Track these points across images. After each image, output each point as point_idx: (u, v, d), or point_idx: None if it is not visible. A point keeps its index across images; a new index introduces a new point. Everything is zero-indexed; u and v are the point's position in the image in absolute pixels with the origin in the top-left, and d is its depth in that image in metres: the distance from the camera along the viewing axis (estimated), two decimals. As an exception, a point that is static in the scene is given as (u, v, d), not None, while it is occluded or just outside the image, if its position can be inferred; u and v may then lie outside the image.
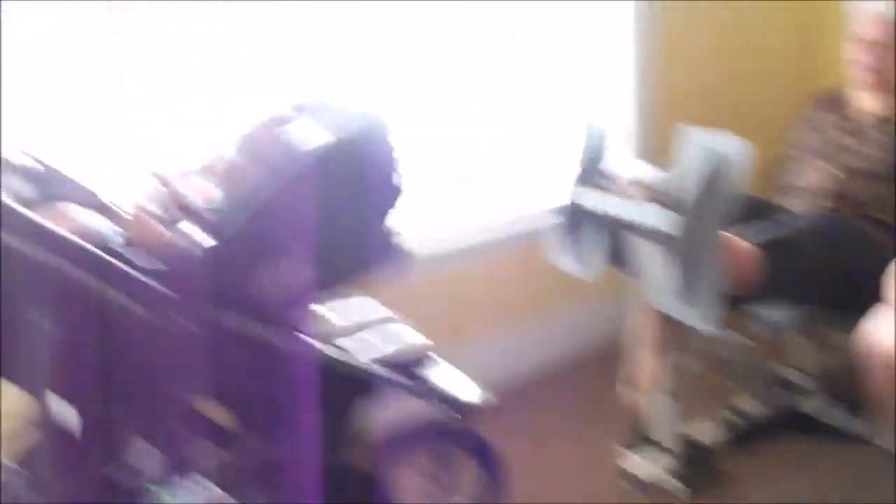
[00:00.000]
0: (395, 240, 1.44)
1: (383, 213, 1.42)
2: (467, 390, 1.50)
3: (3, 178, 1.38)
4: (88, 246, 1.17)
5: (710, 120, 1.81)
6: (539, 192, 2.73)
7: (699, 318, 1.62)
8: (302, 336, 1.36)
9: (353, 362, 1.41)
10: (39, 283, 1.15)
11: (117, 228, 1.42)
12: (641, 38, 2.83)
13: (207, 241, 1.26)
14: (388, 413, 1.50)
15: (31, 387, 1.22)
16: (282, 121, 1.57)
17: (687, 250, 1.62)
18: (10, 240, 1.11)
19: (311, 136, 1.48)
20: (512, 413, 2.03)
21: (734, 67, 3.09)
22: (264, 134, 1.52)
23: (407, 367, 1.47)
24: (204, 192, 1.50)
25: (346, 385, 1.41)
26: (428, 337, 1.58)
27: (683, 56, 2.95)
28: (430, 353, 1.53)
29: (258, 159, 1.45)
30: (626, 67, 2.86)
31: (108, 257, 1.17)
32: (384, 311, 1.64)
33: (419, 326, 1.61)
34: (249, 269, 1.27)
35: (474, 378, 1.52)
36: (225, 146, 1.56)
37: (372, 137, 1.38)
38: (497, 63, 2.61)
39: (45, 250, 1.13)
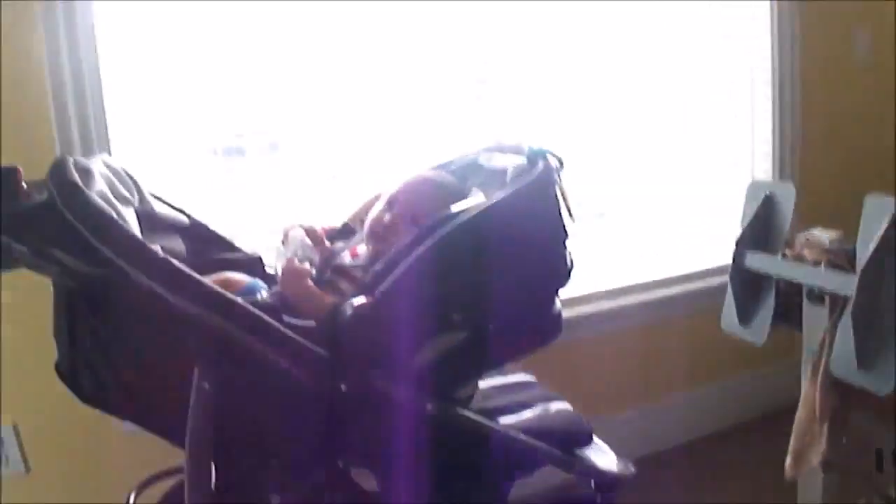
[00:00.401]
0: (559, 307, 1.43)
1: (560, 280, 1.39)
2: (619, 466, 1.47)
3: (155, 233, 1.41)
4: (243, 302, 1.15)
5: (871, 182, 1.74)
6: (699, 250, 2.64)
7: (878, 383, 1.55)
8: (464, 412, 1.33)
9: (517, 438, 1.38)
10: (192, 338, 1.14)
11: (261, 283, 1.43)
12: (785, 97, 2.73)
13: (359, 299, 1.22)
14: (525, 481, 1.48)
15: (174, 436, 1.20)
16: (441, 175, 1.56)
17: (866, 314, 1.57)
18: (172, 298, 1.10)
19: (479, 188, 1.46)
20: (671, 481, 2.02)
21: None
22: (421, 187, 1.49)
23: (565, 444, 1.44)
24: (353, 248, 1.49)
25: (505, 461, 1.39)
26: (584, 404, 1.56)
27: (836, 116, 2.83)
28: (588, 431, 1.51)
29: (413, 213, 1.43)
30: (781, 130, 2.76)
31: (259, 313, 1.14)
32: (545, 389, 1.63)
33: (573, 395, 1.59)
34: (405, 332, 1.23)
35: (632, 445, 1.48)
36: (374, 199, 1.54)
37: (546, 191, 1.35)
38: (647, 116, 2.57)
39: (202, 306, 1.11)
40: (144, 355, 1.19)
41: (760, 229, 1.87)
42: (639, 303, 2.50)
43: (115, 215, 1.15)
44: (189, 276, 1.11)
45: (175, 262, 1.11)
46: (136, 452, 1.58)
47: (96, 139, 1.81)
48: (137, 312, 1.16)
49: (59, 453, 1.91)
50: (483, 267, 1.28)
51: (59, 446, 1.90)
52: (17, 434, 1.87)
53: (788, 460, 2.05)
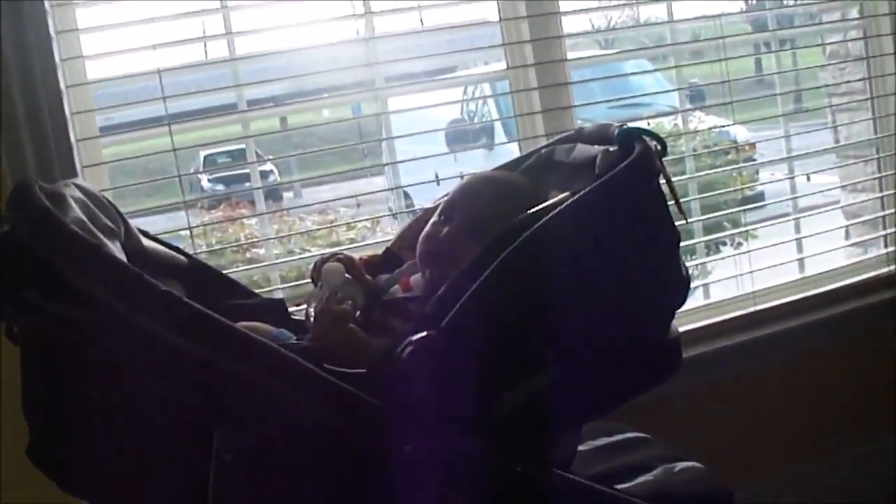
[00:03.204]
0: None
1: (672, 295, 1.32)
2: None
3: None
4: (281, 349, 1.09)
5: None
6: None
7: None
8: (565, 475, 1.26)
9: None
10: (213, 395, 1.08)
11: (288, 333, 1.37)
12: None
13: (419, 335, 1.15)
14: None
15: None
16: (507, 175, 1.51)
17: None
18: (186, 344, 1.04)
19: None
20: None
21: None
22: (483, 190, 1.43)
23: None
24: (405, 279, 1.43)
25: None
26: (720, 465, 1.52)
27: None
28: (728, 494, 1.45)
29: (477, 223, 1.36)
30: None
31: (305, 363, 1.09)
32: (666, 448, 1.56)
33: (703, 453, 1.52)
34: (481, 372, 1.16)
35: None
36: (425, 217, 1.49)
37: (645, 182, 1.27)
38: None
39: (229, 355, 1.06)
40: (144, 423, 1.12)
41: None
42: (787, 329, 2.36)
43: (98, 243, 1.10)
44: (208, 316, 1.06)
45: (187, 300, 1.07)
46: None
47: (59, 166, 1.75)
48: (134, 367, 1.08)
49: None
50: (570, 284, 1.21)
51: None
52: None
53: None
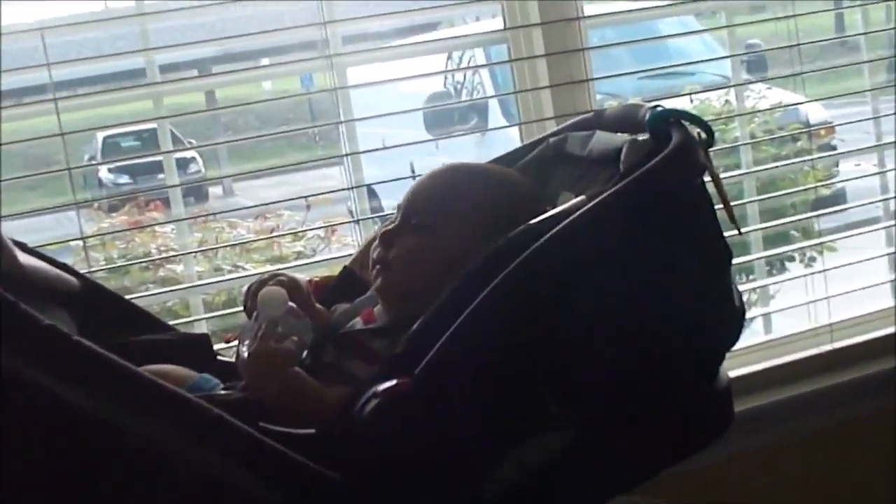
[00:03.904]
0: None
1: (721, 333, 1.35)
2: None
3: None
4: (218, 411, 1.11)
5: None
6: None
7: None
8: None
9: None
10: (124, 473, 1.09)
11: (214, 379, 1.40)
12: None
13: (387, 382, 1.17)
14: None
15: None
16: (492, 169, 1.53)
17: None
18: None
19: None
20: None
21: None
22: (469, 184, 1.45)
23: None
24: (368, 310, 1.46)
25: None
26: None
27: None
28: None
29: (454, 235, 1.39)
30: None
31: (244, 427, 1.11)
32: None
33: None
34: (470, 434, 1.18)
35: None
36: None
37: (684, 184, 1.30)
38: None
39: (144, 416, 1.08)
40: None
41: None
42: (875, 375, 2.39)
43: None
44: (105, 358, 1.07)
45: (77, 339, 1.07)
46: None
47: None
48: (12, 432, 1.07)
49: None
50: (586, 317, 1.23)
51: None
52: None
53: None
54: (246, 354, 1.32)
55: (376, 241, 1.45)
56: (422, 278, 1.37)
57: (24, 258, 1.42)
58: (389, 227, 1.44)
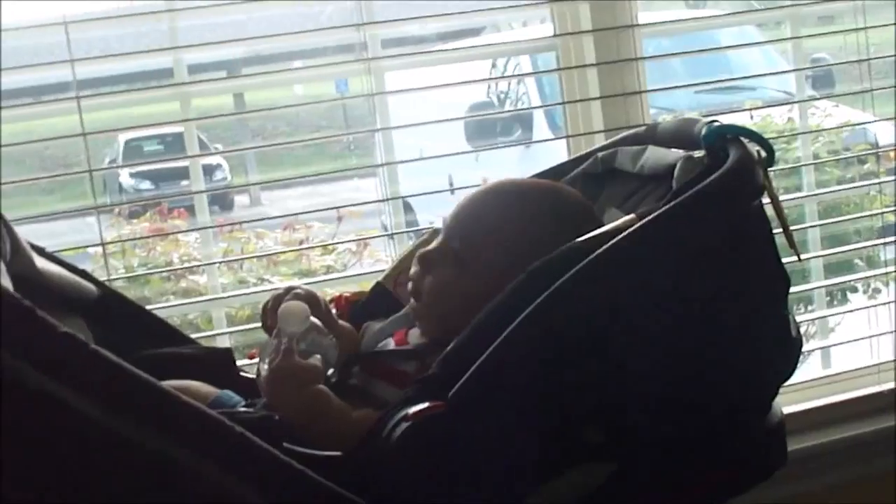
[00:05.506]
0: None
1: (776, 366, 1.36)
2: None
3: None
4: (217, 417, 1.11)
5: None
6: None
7: None
8: None
9: None
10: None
11: (235, 396, 1.41)
12: None
13: (415, 407, 1.17)
14: None
15: None
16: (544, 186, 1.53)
17: None
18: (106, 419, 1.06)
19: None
20: None
21: None
22: (513, 205, 1.45)
23: None
24: (401, 332, 1.46)
25: None
26: None
27: None
28: None
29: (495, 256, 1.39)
30: None
31: (251, 437, 1.10)
32: None
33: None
34: (506, 464, 1.18)
35: None
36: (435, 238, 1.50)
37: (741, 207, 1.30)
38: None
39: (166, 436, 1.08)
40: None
41: None
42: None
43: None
44: (126, 371, 1.07)
45: (95, 347, 1.07)
46: None
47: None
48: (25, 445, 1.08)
49: None
50: (633, 343, 1.24)
51: None
52: None
53: None
54: (266, 371, 1.33)
55: (415, 259, 1.45)
56: (456, 312, 1.36)
57: (41, 263, 1.45)
58: (430, 248, 1.44)
